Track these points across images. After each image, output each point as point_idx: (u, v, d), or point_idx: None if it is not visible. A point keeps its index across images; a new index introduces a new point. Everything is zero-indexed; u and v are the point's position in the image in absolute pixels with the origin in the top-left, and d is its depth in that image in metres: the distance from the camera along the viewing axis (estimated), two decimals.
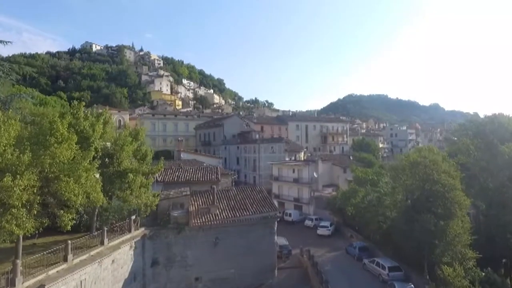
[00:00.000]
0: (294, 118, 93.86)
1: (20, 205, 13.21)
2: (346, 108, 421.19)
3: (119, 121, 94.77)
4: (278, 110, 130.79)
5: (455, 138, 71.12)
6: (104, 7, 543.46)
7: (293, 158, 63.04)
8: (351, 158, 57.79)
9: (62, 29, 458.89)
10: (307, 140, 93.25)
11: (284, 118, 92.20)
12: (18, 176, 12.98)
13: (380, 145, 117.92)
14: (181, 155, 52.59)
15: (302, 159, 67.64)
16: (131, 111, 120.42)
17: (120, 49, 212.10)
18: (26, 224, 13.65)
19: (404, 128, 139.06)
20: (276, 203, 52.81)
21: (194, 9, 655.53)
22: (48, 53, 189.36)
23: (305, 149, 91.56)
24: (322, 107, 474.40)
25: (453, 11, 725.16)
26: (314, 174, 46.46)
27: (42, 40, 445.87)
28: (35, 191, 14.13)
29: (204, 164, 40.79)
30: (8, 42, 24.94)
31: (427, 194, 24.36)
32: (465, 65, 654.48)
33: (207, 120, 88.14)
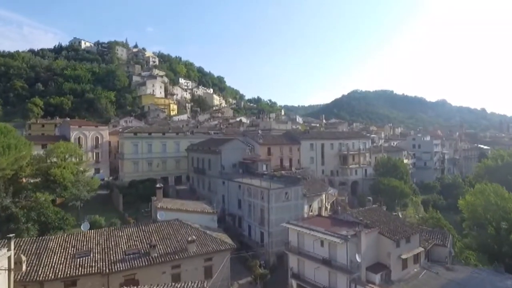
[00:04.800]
0: (307, 135, 77.41)
1: None
2: (351, 105, 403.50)
3: (96, 138, 78.75)
4: (286, 122, 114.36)
5: None
6: (107, 1, 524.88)
7: (315, 205, 47.04)
8: (399, 215, 41.67)
9: (63, 23, 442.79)
10: (323, 162, 77.15)
11: (295, 136, 75.90)
12: None
13: (405, 161, 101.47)
14: (158, 215, 36.60)
15: (325, 201, 51.58)
16: (116, 122, 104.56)
17: (111, 46, 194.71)
18: None
19: (428, 138, 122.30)
20: (294, 285, 37.02)
21: (197, 3, 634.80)
22: (30, 51, 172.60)
23: (323, 174, 75.57)
24: (324, 103, 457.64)
25: (460, 6, 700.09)
26: (356, 257, 30.46)
27: (44, 34, 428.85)
28: None
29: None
30: None
31: None
32: (473, 60, 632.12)
33: (201, 141, 71.87)
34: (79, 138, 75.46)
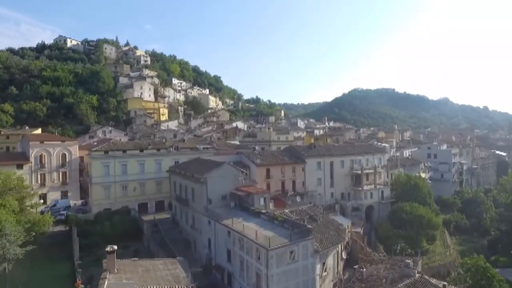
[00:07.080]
0: (313, 152, 64.98)
1: None
2: (352, 104, 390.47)
3: (63, 155, 66.51)
4: (287, 130, 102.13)
5: None
6: None
7: (329, 261, 34.91)
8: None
9: (62, 21, 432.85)
10: (332, 183, 65.07)
11: (298, 153, 63.65)
12: None
13: (422, 175, 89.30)
14: None
15: (340, 252, 39.44)
16: (92, 133, 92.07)
17: (99, 44, 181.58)
18: None
19: (445, 146, 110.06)
20: None
21: (197, 0, 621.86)
22: (9, 49, 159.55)
23: (332, 198, 63.54)
24: (324, 101, 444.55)
25: (461, 3, 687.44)
26: None
27: (42, 32, 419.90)
28: None
29: None
30: None
31: None
32: (475, 58, 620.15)
33: (186, 161, 59.64)
34: (41, 156, 63.27)
